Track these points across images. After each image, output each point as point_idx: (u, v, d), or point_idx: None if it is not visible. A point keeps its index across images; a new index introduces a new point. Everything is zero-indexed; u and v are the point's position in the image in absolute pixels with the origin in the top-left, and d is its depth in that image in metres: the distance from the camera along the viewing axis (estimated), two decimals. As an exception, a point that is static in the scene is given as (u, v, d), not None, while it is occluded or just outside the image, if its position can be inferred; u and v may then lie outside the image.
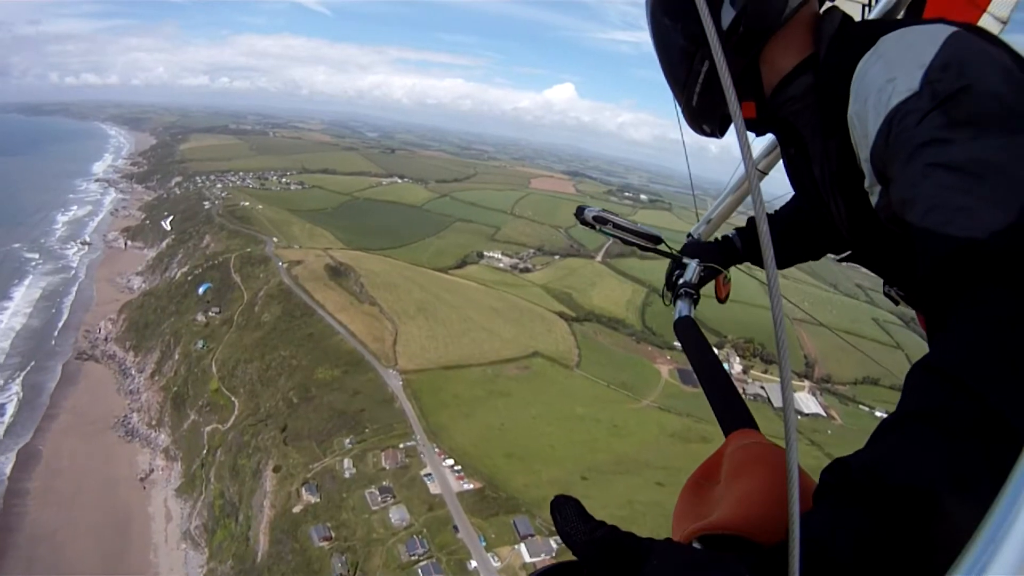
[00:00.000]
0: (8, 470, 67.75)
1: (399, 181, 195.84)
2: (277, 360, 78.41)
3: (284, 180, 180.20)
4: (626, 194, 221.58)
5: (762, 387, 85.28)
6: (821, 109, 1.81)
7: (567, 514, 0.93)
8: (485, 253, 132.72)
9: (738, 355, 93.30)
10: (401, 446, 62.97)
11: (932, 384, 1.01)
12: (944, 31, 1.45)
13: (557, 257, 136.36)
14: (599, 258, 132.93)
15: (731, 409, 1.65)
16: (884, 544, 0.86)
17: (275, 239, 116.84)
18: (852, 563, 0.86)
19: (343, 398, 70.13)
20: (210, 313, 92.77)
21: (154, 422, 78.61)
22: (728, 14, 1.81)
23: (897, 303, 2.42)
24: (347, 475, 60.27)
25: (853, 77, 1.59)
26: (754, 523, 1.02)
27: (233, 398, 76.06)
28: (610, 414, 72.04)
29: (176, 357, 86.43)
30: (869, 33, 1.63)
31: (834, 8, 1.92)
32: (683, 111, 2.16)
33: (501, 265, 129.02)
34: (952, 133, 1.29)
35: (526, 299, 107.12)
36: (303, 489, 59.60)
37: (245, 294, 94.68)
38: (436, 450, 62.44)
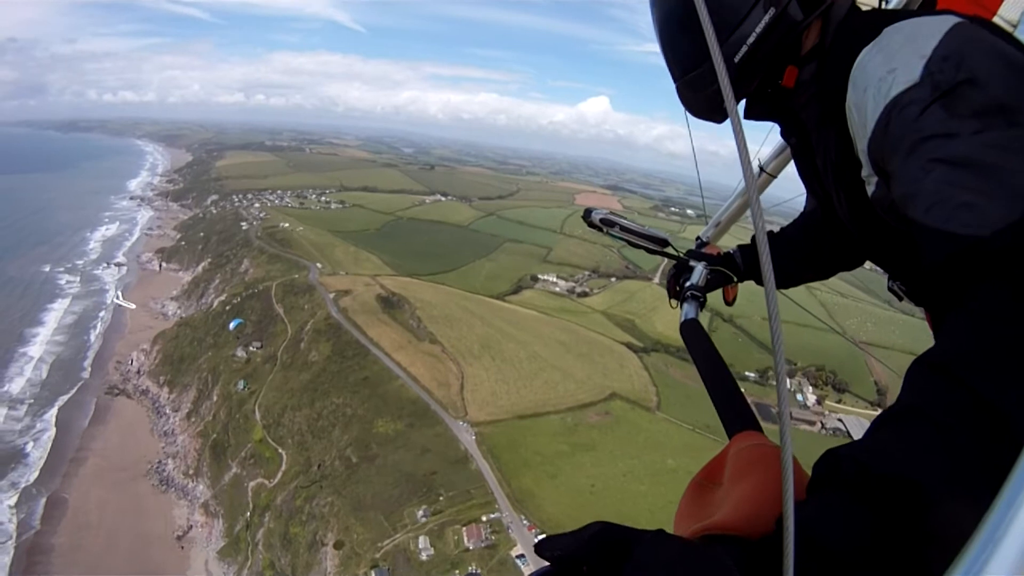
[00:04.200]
0: (36, 522, 61.19)
1: (442, 199, 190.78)
2: (329, 408, 70.37)
3: (324, 199, 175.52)
4: (672, 209, 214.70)
5: (840, 420, 78.35)
6: (822, 98, 1.86)
7: (554, 541, 0.93)
8: (540, 276, 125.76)
9: (810, 383, 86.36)
10: (484, 519, 54.82)
11: (929, 378, 1.04)
12: (947, 22, 1.46)
13: (614, 279, 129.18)
14: (656, 280, 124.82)
15: (735, 411, 1.68)
16: (873, 534, 0.88)
17: (319, 265, 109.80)
18: (841, 552, 0.88)
19: (410, 457, 61.89)
20: (251, 348, 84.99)
21: (191, 471, 70.87)
22: None
23: (901, 298, 2.41)
24: (424, 556, 52.17)
25: (853, 67, 1.62)
26: (755, 524, 1.02)
27: (280, 450, 68.14)
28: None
29: (215, 398, 78.73)
30: (873, 23, 1.65)
31: None
32: (680, 95, 2.11)
33: (557, 289, 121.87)
34: (954, 127, 1.30)
35: (590, 328, 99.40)
36: (373, 573, 51.59)
37: (289, 328, 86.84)
38: (525, 523, 54.23)
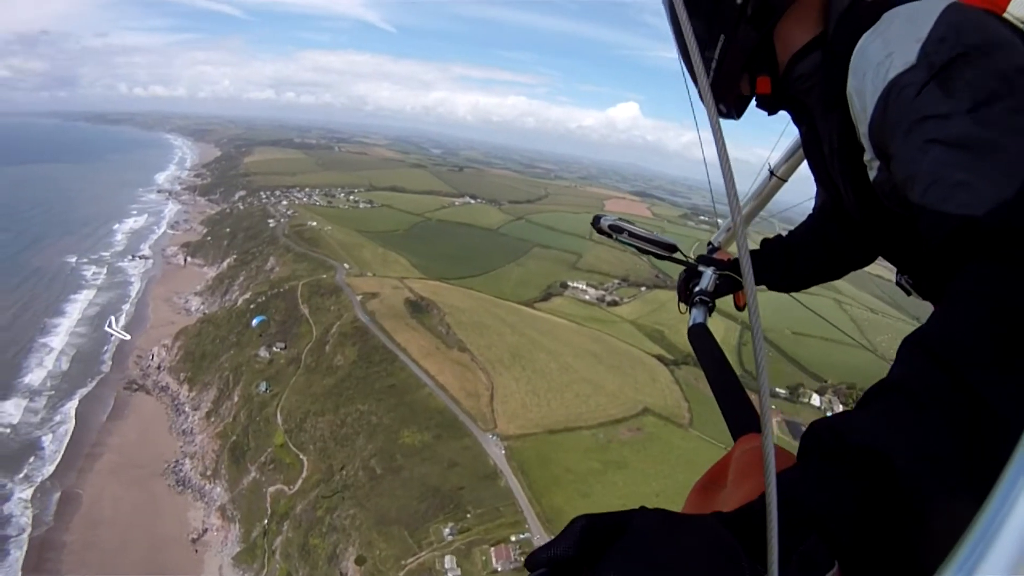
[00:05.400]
0: (49, 518, 59.80)
1: (471, 202, 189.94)
2: (353, 415, 68.13)
3: (352, 198, 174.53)
4: (701, 217, 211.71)
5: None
6: (826, 86, 1.92)
7: (543, 551, 0.89)
8: (569, 283, 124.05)
9: (841, 402, 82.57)
10: (513, 539, 52.50)
11: (913, 356, 1.09)
12: (942, 3, 1.49)
13: (644, 289, 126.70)
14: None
15: (740, 415, 1.74)
16: (853, 500, 0.93)
17: (346, 265, 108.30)
18: (821, 514, 0.92)
19: (437, 471, 59.54)
20: (274, 348, 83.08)
21: (209, 473, 69.00)
22: None
23: (909, 293, 2.49)
24: (451, 577, 50.17)
25: (853, 53, 1.67)
26: None
27: (301, 456, 66.04)
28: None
29: (235, 399, 76.90)
30: (875, 11, 1.70)
31: None
32: (698, 92, 2.17)
33: (587, 297, 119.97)
34: (950, 106, 1.33)
35: (621, 339, 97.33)
36: (397, 594, 49.26)
37: (314, 329, 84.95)
38: (557, 544, 51.30)
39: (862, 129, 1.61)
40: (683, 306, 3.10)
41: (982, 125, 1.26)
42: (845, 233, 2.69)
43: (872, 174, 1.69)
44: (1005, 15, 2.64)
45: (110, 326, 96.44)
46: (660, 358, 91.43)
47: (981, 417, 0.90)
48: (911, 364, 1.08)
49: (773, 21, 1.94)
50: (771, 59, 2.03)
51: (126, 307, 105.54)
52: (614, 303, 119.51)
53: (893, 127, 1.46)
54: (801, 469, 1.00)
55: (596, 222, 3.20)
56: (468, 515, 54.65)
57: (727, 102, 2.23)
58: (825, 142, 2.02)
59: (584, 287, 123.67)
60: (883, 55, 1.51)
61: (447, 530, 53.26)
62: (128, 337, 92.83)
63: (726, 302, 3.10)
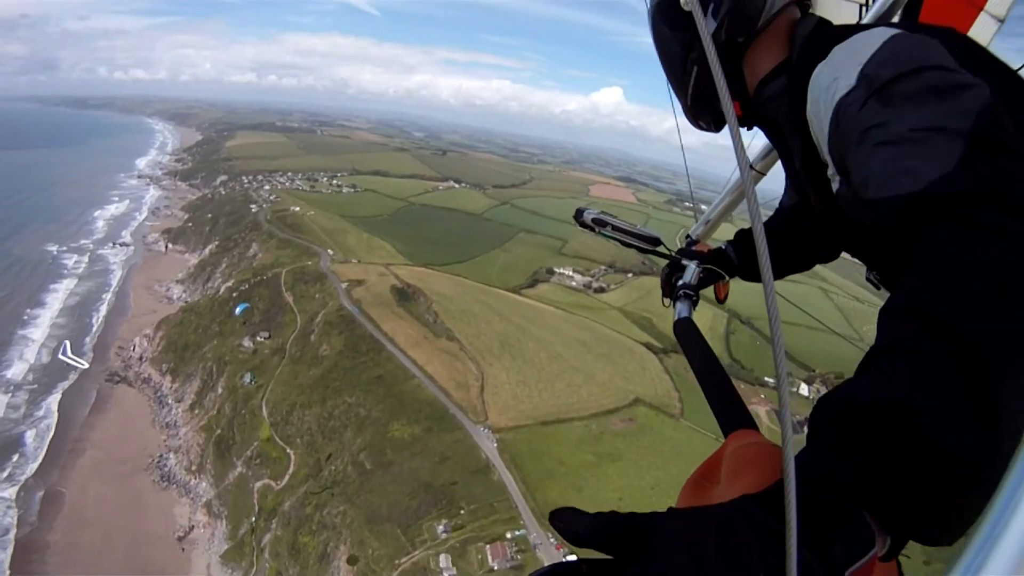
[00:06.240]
0: (33, 518, 58.62)
1: (456, 186, 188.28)
2: (341, 408, 66.83)
3: (335, 182, 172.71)
4: (686, 204, 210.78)
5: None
6: (791, 107, 2.03)
7: (567, 516, 0.92)
8: (555, 269, 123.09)
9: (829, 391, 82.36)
10: (509, 536, 51.69)
11: (890, 320, 1.13)
12: (884, 34, 1.62)
13: (631, 276, 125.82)
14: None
15: (731, 410, 1.73)
16: (873, 459, 0.94)
17: (330, 252, 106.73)
18: (846, 481, 0.93)
19: (428, 465, 58.43)
20: (258, 338, 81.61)
21: (194, 467, 67.81)
22: (710, 25, 2.10)
23: (878, 287, 2.56)
24: (446, 576, 49.35)
25: (810, 81, 1.80)
26: None
27: (288, 450, 64.90)
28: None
29: (219, 390, 75.56)
30: (833, 39, 1.81)
31: (810, 15, 2.16)
32: (682, 108, 2.45)
33: (574, 284, 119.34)
34: (888, 115, 1.45)
35: (608, 326, 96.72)
36: (394, 595, 48.28)
37: (299, 318, 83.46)
38: (553, 541, 50.90)
39: (823, 148, 1.75)
40: (667, 300, 3.13)
41: (921, 123, 1.36)
42: (814, 231, 2.80)
43: (834, 186, 1.81)
44: (982, 13, 3.22)
45: (64, 353, 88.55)
46: (648, 346, 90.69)
47: (970, 353, 0.96)
48: (891, 326, 1.11)
49: (740, 53, 2.13)
50: (740, 84, 2.19)
51: (107, 296, 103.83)
52: (601, 289, 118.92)
53: (846, 141, 1.58)
54: (818, 443, 1.01)
55: (579, 215, 3.29)
56: (462, 511, 53.76)
57: (705, 120, 2.39)
58: (795, 157, 2.13)
59: (570, 273, 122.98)
60: (830, 80, 1.66)
61: (441, 527, 52.39)
62: (86, 365, 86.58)
63: (709, 292, 3.17)
